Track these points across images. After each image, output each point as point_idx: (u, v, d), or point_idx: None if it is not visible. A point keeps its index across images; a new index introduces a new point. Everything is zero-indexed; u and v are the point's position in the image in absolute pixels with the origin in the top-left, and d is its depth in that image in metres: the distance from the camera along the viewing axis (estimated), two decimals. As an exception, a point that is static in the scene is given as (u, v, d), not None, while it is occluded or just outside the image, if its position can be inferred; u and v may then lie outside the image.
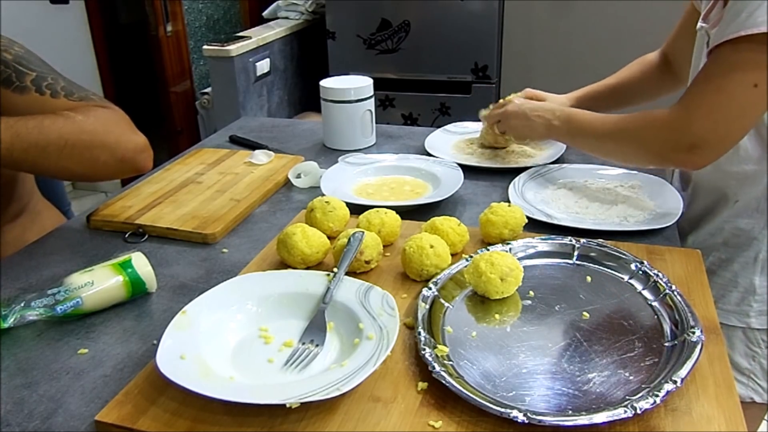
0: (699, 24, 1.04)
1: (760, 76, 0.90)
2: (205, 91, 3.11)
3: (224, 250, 1.03)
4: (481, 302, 0.83)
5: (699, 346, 0.69)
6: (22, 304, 0.82)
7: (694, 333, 0.72)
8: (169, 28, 3.15)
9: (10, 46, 1.07)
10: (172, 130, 3.32)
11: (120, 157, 1.04)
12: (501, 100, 1.33)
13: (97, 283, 0.85)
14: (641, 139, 1.03)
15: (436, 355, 0.71)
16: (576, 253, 0.92)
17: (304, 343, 0.75)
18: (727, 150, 0.98)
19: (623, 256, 0.89)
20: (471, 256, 0.88)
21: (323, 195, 1.08)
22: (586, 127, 1.12)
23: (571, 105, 1.34)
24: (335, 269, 0.85)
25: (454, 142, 1.44)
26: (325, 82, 1.43)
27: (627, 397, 0.65)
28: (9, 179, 1.16)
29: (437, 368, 0.68)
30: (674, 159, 1.01)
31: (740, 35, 0.89)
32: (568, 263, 0.91)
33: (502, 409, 0.62)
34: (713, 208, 1.12)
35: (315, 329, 0.77)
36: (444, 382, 0.66)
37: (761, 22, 0.87)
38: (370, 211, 0.98)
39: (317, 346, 0.75)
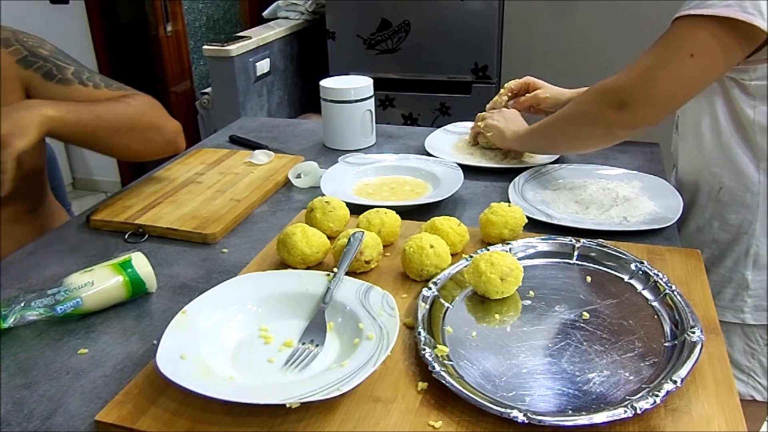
0: None
1: (698, 49, 0.92)
2: (205, 91, 3.11)
3: (224, 250, 1.03)
4: (481, 302, 0.83)
5: (699, 346, 0.69)
6: (22, 304, 0.82)
7: (694, 333, 0.72)
8: (169, 28, 3.14)
9: (43, 43, 1.15)
10: (172, 130, 3.32)
11: (167, 138, 1.20)
12: (497, 99, 1.40)
13: (97, 283, 0.85)
14: (584, 106, 1.06)
15: (436, 355, 0.71)
16: (576, 253, 0.92)
17: (304, 343, 0.75)
18: (660, 114, 0.99)
19: (623, 256, 0.89)
20: (471, 256, 0.88)
21: (323, 195, 1.08)
22: (541, 123, 1.17)
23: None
24: (335, 269, 0.85)
25: (454, 142, 1.44)
26: (325, 82, 1.43)
27: (627, 397, 0.65)
28: (37, 167, 1.21)
29: (437, 368, 0.68)
30: (604, 118, 1.01)
31: (690, 13, 0.91)
32: (568, 263, 0.91)
33: (502, 409, 0.62)
34: (699, 201, 1.13)
35: (315, 329, 0.77)
36: (444, 382, 0.66)
37: (710, 4, 0.89)
38: (370, 211, 0.98)
39: (317, 346, 0.75)
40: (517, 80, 1.41)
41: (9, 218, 1.16)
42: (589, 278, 0.87)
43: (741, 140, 1.04)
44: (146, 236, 1.07)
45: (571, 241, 0.93)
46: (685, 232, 1.16)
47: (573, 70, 2.62)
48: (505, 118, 1.31)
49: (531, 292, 0.84)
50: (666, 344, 0.73)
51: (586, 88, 1.35)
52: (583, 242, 0.92)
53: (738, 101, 1.02)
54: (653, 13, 2.41)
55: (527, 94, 1.38)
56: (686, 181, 1.16)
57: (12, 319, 0.81)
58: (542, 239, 0.94)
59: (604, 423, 0.61)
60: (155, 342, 0.75)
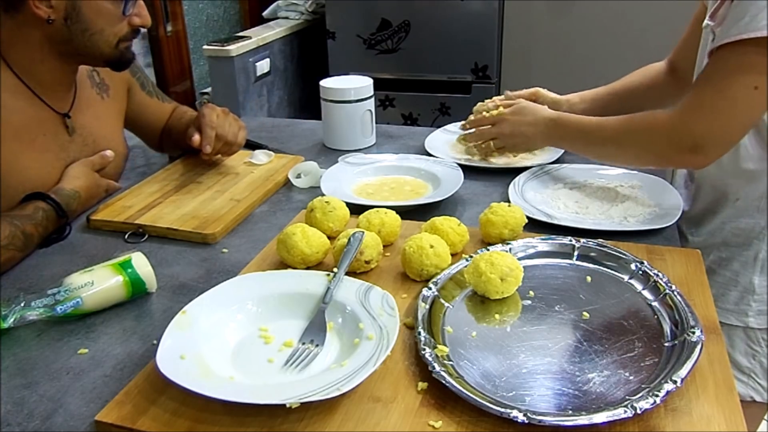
0: (705, 22, 1.05)
1: (761, 79, 0.91)
2: (205, 91, 3.11)
3: (224, 250, 1.03)
4: (481, 302, 0.83)
5: (699, 346, 0.69)
6: (22, 304, 0.82)
7: (694, 333, 0.72)
8: (169, 28, 3.14)
9: None
10: (172, 130, 3.31)
11: None
12: (482, 114, 1.32)
13: (97, 283, 0.85)
14: (644, 142, 1.05)
15: (436, 355, 0.70)
16: (576, 253, 0.91)
17: (304, 343, 0.75)
18: (729, 149, 1.00)
19: (623, 256, 0.89)
20: (471, 256, 0.88)
21: (323, 195, 1.08)
22: (582, 132, 1.13)
23: (566, 102, 1.35)
24: (335, 269, 0.85)
25: (454, 142, 1.44)
26: (325, 82, 1.43)
27: (627, 397, 0.65)
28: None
29: (437, 368, 0.68)
30: (677, 160, 1.03)
31: (742, 38, 0.89)
32: (568, 263, 0.91)
33: (502, 409, 0.62)
34: (714, 207, 1.13)
35: (315, 329, 0.77)
36: (444, 382, 0.66)
37: (763, 26, 0.87)
38: (370, 211, 0.98)
39: (317, 346, 0.75)
40: (486, 103, 1.35)
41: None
42: (589, 278, 0.87)
43: (760, 149, 1.04)
44: (146, 236, 1.07)
45: (571, 241, 0.93)
46: (697, 237, 1.16)
47: (573, 70, 2.62)
48: (515, 134, 1.25)
49: (531, 292, 0.84)
50: (666, 344, 0.73)
51: (587, 93, 1.35)
52: (583, 242, 0.92)
53: None
54: (653, 13, 2.42)
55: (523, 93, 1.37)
56: (703, 188, 1.16)
57: (12, 319, 0.81)
58: (542, 239, 0.94)
59: (604, 423, 0.61)
60: (155, 342, 0.75)
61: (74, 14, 1.03)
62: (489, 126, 1.28)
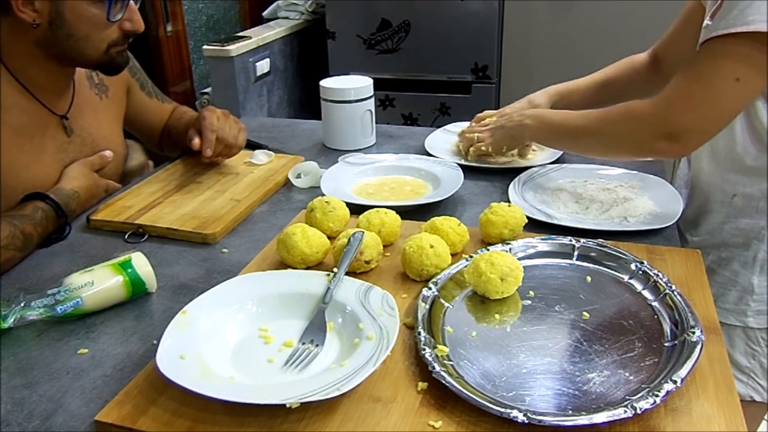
0: (705, 22, 1.05)
1: (743, 71, 0.91)
2: (205, 91, 3.11)
3: (224, 250, 1.03)
4: (481, 302, 0.83)
5: (699, 346, 0.69)
6: (22, 304, 0.82)
7: (694, 333, 0.72)
8: (169, 28, 3.14)
9: (131, 57, 1.29)
10: (172, 130, 3.30)
11: None
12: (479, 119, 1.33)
13: (97, 283, 0.85)
14: (621, 132, 1.04)
15: (436, 355, 0.71)
16: (576, 253, 0.91)
17: (304, 343, 0.75)
18: (707, 140, 0.99)
19: (623, 256, 0.89)
20: (471, 256, 0.88)
21: (323, 195, 1.08)
22: (560, 125, 1.13)
23: (549, 99, 1.34)
24: (335, 269, 0.85)
25: (454, 142, 1.44)
26: (325, 82, 1.43)
27: (627, 397, 0.65)
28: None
29: (437, 368, 0.68)
30: (655, 148, 1.01)
31: (729, 32, 0.90)
32: (568, 263, 0.91)
33: (502, 409, 0.62)
34: (712, 206, 1.12)
35: (315, 329, 0.77)
36: (444, 382, 0.66)
37: (752, 20, 0.88)
38: (370, 211, 0.98)
39: (317, 346, 0.75)
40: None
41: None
42: (589, 278, 0.87)
43: (756, 147, 1.04)
44: (146, 236, 1.07)
45: (571, 241, 0.93)
46: (695, 237, 1.16)
47: (573, 70, 2.60)
48: (504, 121, 1.26)
49: (531, 292, 0.84)
50: (666, 344, 0.73)
51: (566, 84, 1.34)
52: (583, 242, 0.92)
53: (754, 107, 1.01)
54: (652, 13, 2.41)
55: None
56: (699, 186, 1.16)
57: (12, 319, 0.81)
58: (542, 239, 0.94)
59: (604, 423, 0.61)
60: (155, 342, 0.75)
61: (58, 19, 1.01)
62: (485, 131, 1.30)
